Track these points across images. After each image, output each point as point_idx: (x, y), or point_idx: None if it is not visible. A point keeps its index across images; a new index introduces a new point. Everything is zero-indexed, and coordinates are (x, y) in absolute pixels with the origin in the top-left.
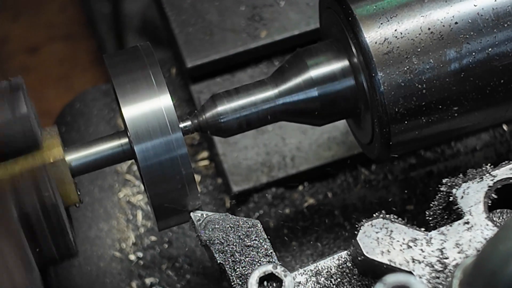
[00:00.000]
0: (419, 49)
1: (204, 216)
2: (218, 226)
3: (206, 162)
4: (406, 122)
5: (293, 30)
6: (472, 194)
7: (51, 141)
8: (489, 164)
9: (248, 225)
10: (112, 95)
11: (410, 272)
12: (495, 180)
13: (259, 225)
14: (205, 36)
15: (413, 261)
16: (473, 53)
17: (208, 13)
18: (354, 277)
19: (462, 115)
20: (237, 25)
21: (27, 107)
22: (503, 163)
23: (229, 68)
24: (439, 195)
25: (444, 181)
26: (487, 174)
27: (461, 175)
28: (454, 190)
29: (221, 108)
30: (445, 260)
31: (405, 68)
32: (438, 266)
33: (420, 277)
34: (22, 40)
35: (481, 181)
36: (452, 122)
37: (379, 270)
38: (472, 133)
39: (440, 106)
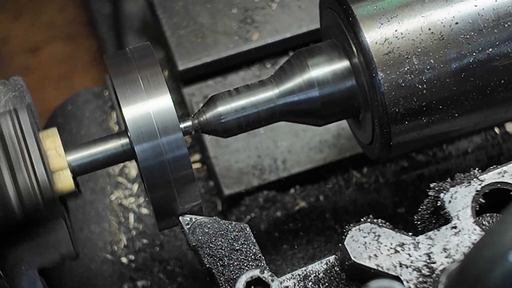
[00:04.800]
0: (419, 49)
1: (193, 220)
2: (207, 230)
3: (197, 165)
4: (406, 122)
5: (285, 32)
6: (459, 198)
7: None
8: (477, 169)
9: (237, 229)
10: (104, 97)
11: (397, 277)
12: (482, 185)
13: (248, 229)
14: (197, 38)
15: (401, 266)
16: (474, 53)
17: (200, 16)
18: (342, 281)
19: (462, 115)
20: (229, 28)
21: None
22: (491, 167)
23: (221, 70)
24: (427, 199)
25: (432, 185)
26: (475, 179)
27: (449, 180)
28: (442, 195)
29: (221, 108)
30: (432, 265)
31: (406, 69)
32: (425, 271)
33: (408, 282)
34: (22, 40)
35: (469, 185)
36: (452, 123)
37: (367, 274)
38: (471, 133)
39: (441, 107)
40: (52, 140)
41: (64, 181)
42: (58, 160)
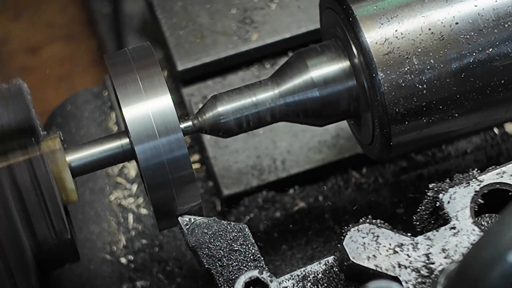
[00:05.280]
0: (419, 50)
1: (192, 220)
2: (206, 231)
3: (197, 165)
4: (406, 122)
5: (284, 33)
6: (458, 199)
7: (50, 139)
8: (476, 169)
9: (236, 230)
10: (103, 98)
11: (396, 278)
12: (481, 185)
13: (246, 229)
14: (196, 39)
15: (399, 266)
16: (474, 53)
17: (199, 16)
18: (341, 282)
19: (462, 115)
20: (228, 28)
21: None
22: (490, 168)
23: (220, 71)
24: (426, 200)
25: (430, 186)
26: (474, 179)
27: (447, 180)
28: (440, 195)
29: (221, 108)
30: (431, 266)
31: (406, 69)
32: (424, 272)
33: (406, 282)
34: (22, 40)
35: (467, 186)
36: (452, 123)
37: (366, 275)
38: (471, 134)
39: (441, 107)
40: (54, 150)
41: (69, 193)
42: (60, 168)
